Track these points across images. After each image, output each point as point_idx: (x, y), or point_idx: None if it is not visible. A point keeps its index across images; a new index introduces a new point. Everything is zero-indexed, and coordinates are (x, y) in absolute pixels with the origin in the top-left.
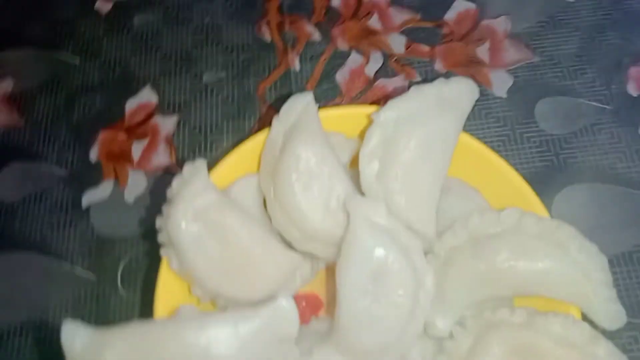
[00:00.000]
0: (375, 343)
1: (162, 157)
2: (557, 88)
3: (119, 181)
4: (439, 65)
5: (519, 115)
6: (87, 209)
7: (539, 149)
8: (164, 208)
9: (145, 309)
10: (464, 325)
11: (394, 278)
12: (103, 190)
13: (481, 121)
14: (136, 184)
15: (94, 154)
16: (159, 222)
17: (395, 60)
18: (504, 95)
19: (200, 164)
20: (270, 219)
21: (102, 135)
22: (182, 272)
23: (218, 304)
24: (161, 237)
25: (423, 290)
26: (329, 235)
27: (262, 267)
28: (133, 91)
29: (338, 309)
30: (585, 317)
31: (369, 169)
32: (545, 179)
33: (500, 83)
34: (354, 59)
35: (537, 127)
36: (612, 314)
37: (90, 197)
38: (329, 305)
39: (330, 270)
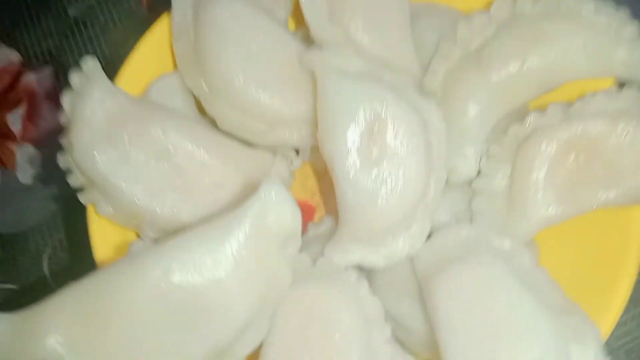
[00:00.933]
0: (393, 215)
1: (51, 119)
2: None
3: (6, 164)
4: None
5: None
6: None
7: None
8: (63, 140)
9: None
10: (491, 156)
11: (394, 128)
12: None
13: None
14: (29, 161)
15: None
16: (62, 161)
17: None
18: None
19: (92, 64)
20: (213, 121)
21: None
22: (118, 214)
23: None
24: (74, 180)
25: (433, 132)
26: (297, 112)
27: (224, 178)
28: None
29: (339, 191)
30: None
31: (317, 13)
32: None
33: None
34: None
35: None
36: None
37: None
38: (325, 203)
39: (314, 159)
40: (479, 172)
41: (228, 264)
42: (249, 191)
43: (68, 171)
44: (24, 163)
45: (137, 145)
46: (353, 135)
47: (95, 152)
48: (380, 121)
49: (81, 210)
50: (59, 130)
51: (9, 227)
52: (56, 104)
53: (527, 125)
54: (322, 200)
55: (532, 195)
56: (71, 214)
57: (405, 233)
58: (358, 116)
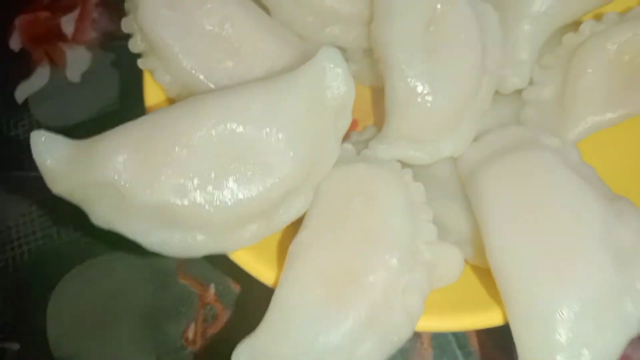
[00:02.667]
0: (442, 112)
1: (102, 24)
2: None
3: (56, 63)
4: None
5: None
6: (25, 104)
7: None
8: (127, 2)
9: None
10: (543, 66)
11: (452, 23)
12: (39, 78)
13: None
14: (78, 60)
15: (15, 43)
16: (125, 24)
17: None
18: None
19: None
20: (267, 11)
21: (21, 21)
22: (174, 83)
23: None
24: (134, 44)
25: (489, 35)
26: (352, 10)
27: (277, 60)
28: None
29: (390, 85)
30: None
31: None
32: None
33: None
34: None
35: None
36: None
37: (24, 90)
38: (373, 113)
39: (361, 70)
40: (530, 82)
41: (283, 121)
42: None
43: (131, 31)
44: (74, 62)
45: (199, 11)
46: (410, 26)
47: (160, 12)
48: (438, 16)
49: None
50: (110, 34)
51: (55, 121)
52: (108, 10)
53: (582, 33)
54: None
55: (584, 97)
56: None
57: (452, 132)
58: (416, 7)
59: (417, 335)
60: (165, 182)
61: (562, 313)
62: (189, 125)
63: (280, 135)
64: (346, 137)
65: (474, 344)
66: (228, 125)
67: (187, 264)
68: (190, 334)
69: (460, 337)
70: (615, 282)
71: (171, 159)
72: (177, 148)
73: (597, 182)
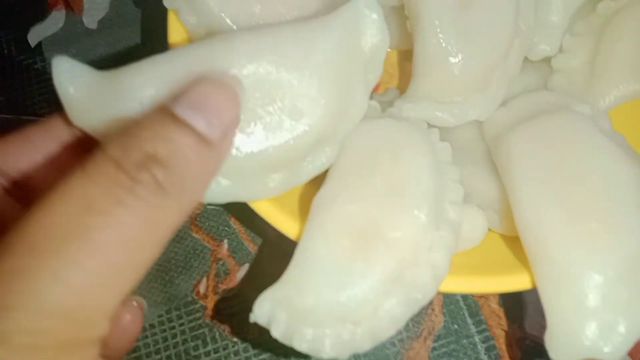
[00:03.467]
0: (472, 72)
1: None
2: None
3: (72, 7)
4: None
5: None
6: (38, 48)
7: None
8: None
9: None
10: (575, 33)
11: None
12: (53, 21)
13: None
14: (96, 6)
15: None
16: None
17: None
18: None
19: None
20: None
21: None
22: (200, 26)
23: None
24: None
25: None
26: None
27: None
28: None
29: (421, 40)
30: None
31: None
32: None
33: None
34: None
35: None
36: None
37: (38, 33)
38: (397, 76)
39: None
40: (560, 50)
41: (316, 64)
42: None
43: None
44: (91, 8)
45: None
46: None
47: None
48: None
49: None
50: None
51: None
52: None
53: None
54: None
55: (617, 65)
56: None
57: (480, 95)
58: None
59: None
60: None
61: (597, 277)
62: (219, 63)
63: (312, 80)
64: None
65: (485, 313)
66: (259, 66)
67: (200, 219)
68: (202, 288)
69: (471, 306)
70: None
71: None
72: None
73: (629, 148)
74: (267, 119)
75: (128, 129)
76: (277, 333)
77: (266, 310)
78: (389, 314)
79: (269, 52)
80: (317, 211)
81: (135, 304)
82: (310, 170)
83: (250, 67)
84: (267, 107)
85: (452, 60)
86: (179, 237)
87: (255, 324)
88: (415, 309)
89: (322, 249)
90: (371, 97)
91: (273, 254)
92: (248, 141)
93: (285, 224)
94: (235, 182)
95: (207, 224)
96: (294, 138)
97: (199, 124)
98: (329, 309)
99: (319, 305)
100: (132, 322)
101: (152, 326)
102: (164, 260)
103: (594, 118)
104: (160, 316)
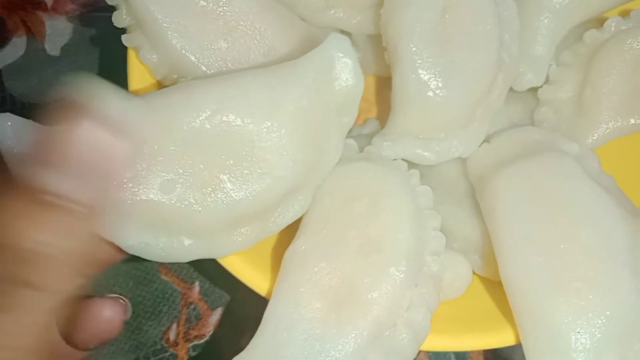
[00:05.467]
0: (453, 108)
1: None
2: None
3: (34, 34)
4: None
5: None
6: None
7: None
8: None
9: None
10: (561, 63)
11: (468, 14)
12: (14, 48)
13: None
14: (58, 32)
15: None
16: None
17: None
18: None
19: None
20: None
21: None
22: (161, 64)
23: None
24: (119, 18)
25: (507, 28)
26: None
27: (278, 45)
28: None
29: (399, 76)
30: None
31: None
32: None
33: None
34: None
35: None
36: None
37: None
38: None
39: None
40: (546, 81)
41: (285, 114)
42: None
43: (115, 7)
44: (54, 34)
45: None
46: (423, 15)
47: None
48: (454, 5)
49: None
50: (92, 4)
51: (31, 97)
52: None
53: (606, 29)
54: (367, 106)
55: (606, 100)
56: None
57: (462, 131)
58: None
59: None
60: (154, 178)
61: (583, 340)
62: (181, 115)
63: (282, 131)
64: None
65: (473, 356)
66: (224, 117)
67: None
68: (172, 335)
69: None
70: None
71: (161, 151)
72: (168, 139)
73: (619, 194)
74: (234, 173)
75: None
76: None
77: None
78: None
79: (235, 103)
80: (288, 268)
81: (121, 301)
82: (281, 221)
83: (215, 120)
84: (234, 161)
85: (432, 95)
86: (147, 280)
87: None
88: None
89: (293, 312)
90: (350, 130)
91: (248, 296)
92: (213, 196)
93: (255, 279)
94: (200, 239)
95: (176, 265)
96: (263, 191)
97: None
98: None
99: None
100: (110, 318)
101: None
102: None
103: (582, 158)
104: None
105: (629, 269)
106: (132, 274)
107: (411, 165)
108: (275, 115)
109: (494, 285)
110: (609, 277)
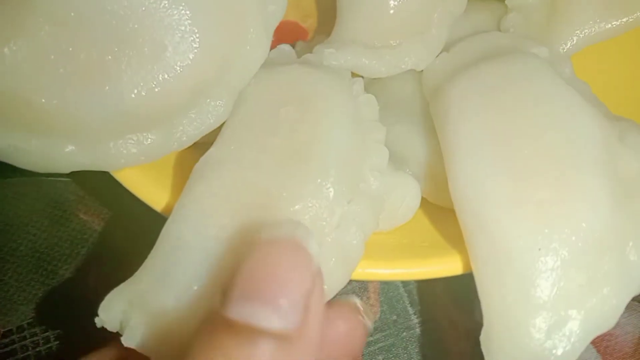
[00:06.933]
0: (406, 10)
1: None
2: None
3: None
4: None
5: None
6: None
7: None
8: None
9: None
10: None
11: None
12: None
13: None
14: None
15: None
16: None
17: None
18: None
19: None
20: None
21: None
22: None
23: None
24: None
25: None
26: None
27: None
28: None
29: None
30: None
31: None
32: None
33: None
34: None
35: None
36: None
37: None
38: (320, 27)
39: None
40: None
41: None
42: None
43: None
44: None
45: None
46: None
47: None
48: None
49: None
50: None
51: None
52: None
53: None
54: (317, 24)
55: (580, 2)
56: None
57: (417, 39)
58: None
59: (363, 288)
60: (13, 58)
61: (545, 260)
62: None
63: (182, 7)
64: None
65: (428, 300)
66: None
67: (89, 196)
68: (91, 281)
69: (413, 292)
70: (616, 222)
71: (25, 28)
72: (35, 14)
73: (593, 98)
74: (122, 60)
75: None
76: (131, 342)
77: (116, 312)
78: None
79: None
80: (193, 181)
81: None
82: (192, 130)
83: None
84: (121, 45)
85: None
86: (64, 219)
87: None
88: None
89: (191, 231)
90: (293, 45)
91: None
92: (96, 91)
93: (154, 195)
94: (83, 145)
95: (97, 201)
96: (159, 85)
97: (265, 319)
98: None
99: (182, 304)
100: None
101: (30, 325)
102: (46, 247)
103: (553, 62)
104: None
105: (600, 175)
106: (47, 212)
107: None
108: None
109: (446, 214)
110: (577, 185)
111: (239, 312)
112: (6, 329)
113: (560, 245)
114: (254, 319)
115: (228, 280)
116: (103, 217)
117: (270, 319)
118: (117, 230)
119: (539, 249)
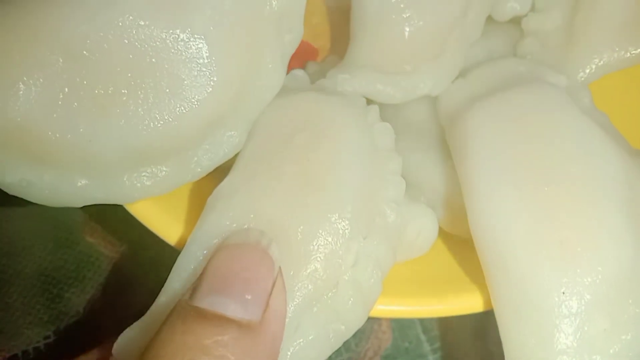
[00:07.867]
0: (422, 35)
1: None
2: None
3: None
4: None
5: None
6: None
7: None
8: None
9: None
10: None
11: None
12: None
13: None
14: None
15: None
16: None
17: None
18: None
19: None
20: None
21: None
22: None
23: None
24: None
25: None
26: None
27: None
28: None
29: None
30: None
31: None
32: None
33: None
34: None
35: None
36: None
37: None
38: (332, 46)
39: None
40: (531, 8)
41: (204, 20)
42: None
43: None
44: None
45: None
46: None
47: None
48: None
49: None
50: None
51: None
52: None
53: None
54: (329, 44)
55: (600, 28)
56: None
57: (432, 64)
58: None
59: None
60: (28, 92)
61: (570, 304)
62: (68, 17)
63: (200, 41)
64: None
65: (441, 327)
66: (126, 21)
67: (96, 217)
68: (97, 303)
69: (425, 319)
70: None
71: (40, 61)
72: (50, 47)
73: (613, 131)
74: (138, 94)
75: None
76: None
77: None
78: (300, 356)
79: (140, 4)
80: (206, 213)
81: None
82: (206, 162)
83: (113, 25)
84: (139, 80)
85: (398, 19)
86: (70, 241)
87: None
88: (337, 343)
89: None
90: (306, 67)
91: None
92: (106, 124)
93: (168, 229)
94: (96, 179)
95: (103, 223)
96: (175, 118)
97: (232, 310)
98: None
99: None
100: None
101: (37, 350)
102: (52, 270)
103: (572, 92)
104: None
105: (624, 215)
106: (52, 235)
107: (371, 104)
108: (192, 20)
109: (465, 245)
110: (602, 224)
111: (209, 302)
112: (11, 354)
113: (585, 289)
114: (222, 309)
115: (197, 279)
116: (110, 240)
117: (236, 310)
118: (125, 253)
119: (563, 292)
